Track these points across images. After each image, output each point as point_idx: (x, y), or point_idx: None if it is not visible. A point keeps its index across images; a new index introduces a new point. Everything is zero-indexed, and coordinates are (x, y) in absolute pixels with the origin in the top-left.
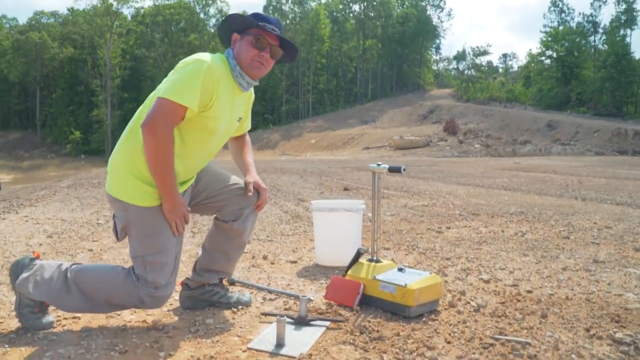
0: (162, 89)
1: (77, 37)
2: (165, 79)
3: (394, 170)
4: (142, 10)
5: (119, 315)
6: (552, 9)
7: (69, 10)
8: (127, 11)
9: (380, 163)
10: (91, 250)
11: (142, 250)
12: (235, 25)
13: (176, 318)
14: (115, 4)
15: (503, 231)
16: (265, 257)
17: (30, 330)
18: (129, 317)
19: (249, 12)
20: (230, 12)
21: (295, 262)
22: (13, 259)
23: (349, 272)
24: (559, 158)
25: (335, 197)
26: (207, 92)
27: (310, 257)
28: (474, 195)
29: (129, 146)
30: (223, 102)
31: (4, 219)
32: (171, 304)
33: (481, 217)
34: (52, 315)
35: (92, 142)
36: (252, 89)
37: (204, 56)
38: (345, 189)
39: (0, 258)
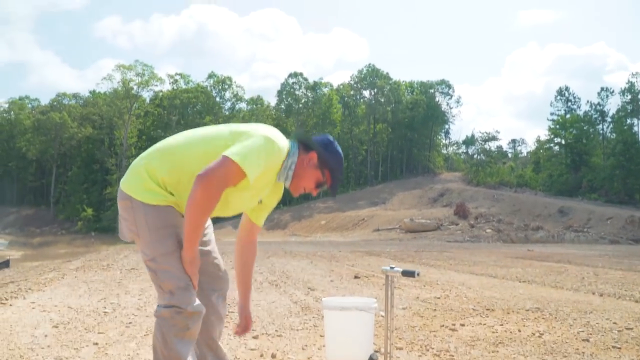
0: (233, 150)
1: (96, 118)
2: (233, 132)
3: (408, 274)
4: (160, 94)
5: None
6: (559, 97)
7: (90, 92)
8: (146, 94)
9: (393, 266)
10: (96, 344)
11: (150, 251)
12: (323, 149)
13: None
14: (135, 87)
15: (520, 330)
16: (274, 356)
17: None
18: None
19: (263, 95)
20: (245, 95)
21: None
22: (17, 351)
23: None
24: (573, 246)
25: (346, 286)
26: (262, 168)
27: (320, 356)
28: (488, 287)
29: (161, 162)
30: (263, 180)
31: (11, 305)
32: None
33: (496, 313)
34: None
35: (103, 219)
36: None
37: (281, 139)
38: (356, 277)
39: (5, 350)
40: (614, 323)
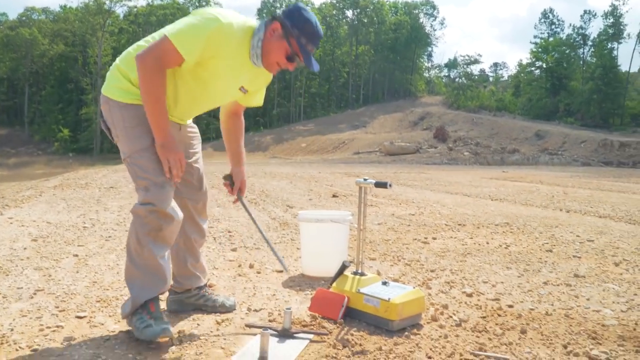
0: (170, 28)
1: (68, 35)
2: (180, 20)
3: (381, 185)
4: (135, 10)
5: (102, 324)
6: (543, 20)
7: (61, 7)
8: (120, 10)
9: (367, 178)
10: (76, 255)
11: (128, 148)
12: (288, 18)
13: None
14: (107, 2)
15: (488, 243)
16: (251, 266)
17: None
18: (112, 326)
19: (241, 11)
20: None
21: (281, 271)
22: None
23: (334, 285)
24: (547, 168)
25: (323, 204)
26: (210, 49)
27: (297, 267)
28: (461, 204)
29: (132, 61)
30: (225, 64)
31: None
32: None
33: (467, 228)
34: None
35: (80, 140)
36: (269, 75)
37: (224, 15)
38: (334, 196)
39: None
40: (577, 236)
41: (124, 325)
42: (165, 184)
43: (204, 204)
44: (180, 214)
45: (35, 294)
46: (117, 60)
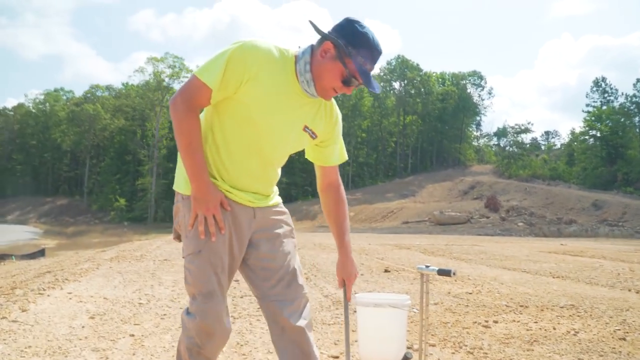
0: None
1: (128, 110)
2: None
3: (444, 273)
4: None
5: None
6: (595, 88)
7: (123, 84)
8: (177, 86)
9: (429, 265)
10: (132, 335)
11: (185, 248)
12: (341, 35)
13: None
14: (167, 79)
15: (554, 328)
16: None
17: None
18: None
19: None
20: None
21: (337, 357)
22: (56, 342)
23: None
24: (607, 240)
25: (376, 280)
26: (237, 73)
27: (353, 352)
28: (521, 282)
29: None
30: (265, 89)
31: (49, 295)
32: None
33: (530, 310)
34: None
35: (135, 209)
36: (337, 112)
37: (250, 39)
38: (386, 271)
39: (44, 341)
40: None
41: None
42: (212, 294)
43: (303, 306)
44: (227, 327)
45: None
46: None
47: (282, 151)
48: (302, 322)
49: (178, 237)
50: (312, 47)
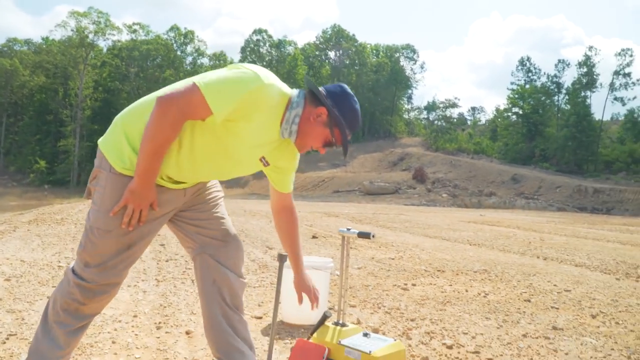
0: (203, 78)
1: (49, 67)
2: (215, 70)
3: (364, 236)
4: (118, 44)
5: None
6: (520, 67)
7: (43, 39)
8: (103, 43)
9: (350, 228)
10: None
11: (93, 219)
12: (335, 105)
13: None
14: (90, 35)
15: (467, 290)
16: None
17: None
18: None
19: (227, 51)
20: (207, 51)
21: (260, 317)
22: None
23: (314, 335)
24: (523, 212)
25: (303, 246)
26: (243, 109)
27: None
28: (440, 249)
29: (140, 111)
30: (253, 128)
31: None
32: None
33: (446, 274)
34: None
35: (57, 172)
36: (296, 152)
37: (266, 76)
38: (314, 237)
39: None
40: (555, 285)
41: None
42: (109, 267)
43: (237, 258)
44: (114, 292)
45: (7, 338)
46: (122, 117)
47: (235, 171)
48: (234, 277)
49: (90, 195)
50: (305, 99)
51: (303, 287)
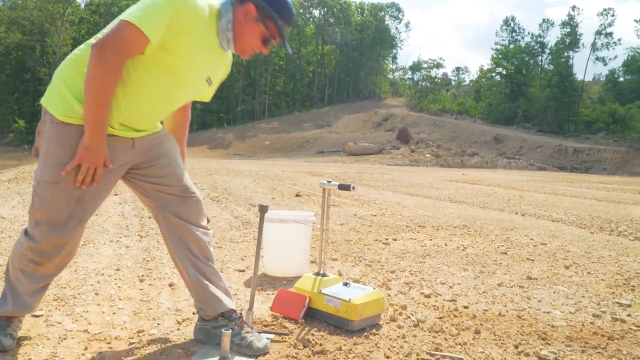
0: (127, 11)
1: (26, 23)
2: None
3: (344, 188)
4: (96, 0)
5: (59, 323)
6: (504, 27)
7: None
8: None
9: (330, 180)
10: None
11: (40, 173)
12: (259, 0)
13: (119, 328)
14: None
15: (446, 244)
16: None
17: None
18: (70, 325)
19: None
20: None
21: (243, 270)
22: None
23: (296, 285)
24: (504, 171)
25: (287, 203)
26: (176, 27)
27: (259, 267)
28: (422, 206)
29: (78, 59)
30: (193, 44)
31: None
32: (114, 313)
33: (427, 230)
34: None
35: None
36: (231, 59)
37: None
38: (297, 195)
39: None
40: (531, 239)
41: (81, 324)
42: (60, 224)
43: (199, 212)
44: (71, 251)
45: None
46: (60, 69)
47: (185, 98)
48: (198, 230)
49: (37, 153)
50: (232, 4)
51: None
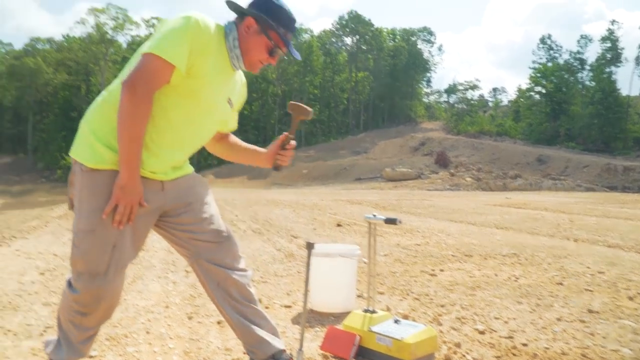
0: (147, 45)
1: (71, 64)
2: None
3: (390, 222)
4: (137, 39)
5: None
6: (541, 46)
7: (64, 37)
8: (122, 39)
9: (375, 214)
10: None
11: (76, 224)
12: (260, 10)
13: None
14: (110, 31)
15: (496, 275)
16: (259, 302)
17: None
18: None
19: None
20: None
21: (289, 306)
22: (5, 298)
23: (345, 322)
24: (550, 193)
25: (328, 234)
26: (195, 50)
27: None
28: (467, 233)
29: (104, 105)
30: (210, 66)
31: None
32: (165, 352)
33: (474, 259)
34: None
35: None
36: (244, 81)
37: (193, 12)
38: (338, 225)
39: None
40: (587, 267)
41: None
42: (100, 273)
43: (234, 254)
44: (115, 301)
45: (45, 331)
46: (85, 118)
47: (212, 123)
48: (235, 274)
49: (72, 206)
50: (235, 22)
51: (271, 149)
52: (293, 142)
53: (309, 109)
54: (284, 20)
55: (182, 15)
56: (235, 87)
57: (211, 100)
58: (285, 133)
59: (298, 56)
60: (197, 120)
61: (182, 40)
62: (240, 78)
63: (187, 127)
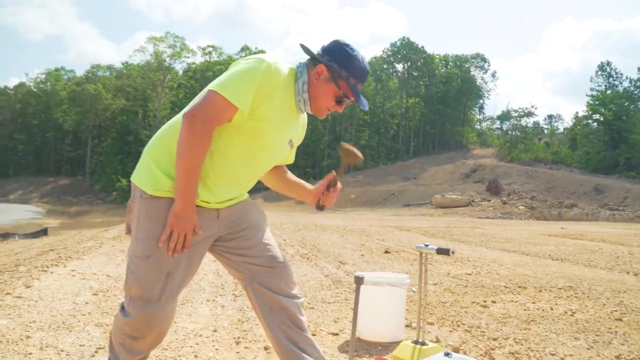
0: (214, 82)
1: (130, 90)
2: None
3: (443, 252)
4: (193, 66)
5: None
6: (600, 73)
7: (123, 64)
8: (179, 66)
9: (428, 244)
10: None
11: (132, 249)
12: (332, 58)
13: None
14: (167, 59)
15: (552, 309)
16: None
17: None
18: None
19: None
20: None
21: (337, 334)
22: (60, 317)
23: (394, 353)
24: (608, 224)
25: (376, 261)
26: (262, 94)
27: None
28: (520, 264)
29: (164, 135)
30: (276, 109)
31: (52, 272)
32: None
33: (528, 291)
34: None
35: None
36: (306, 119)
37: (268, 56)
38: (386, 252)
39: (48, 316)
40: None
41: None
42: (153, 299)
43: (288, 281)
44: (165, 327)
45: (96, 352)
46: (148, 146)
47: (271, 163)
48: (288, 301)
49: (130, 230)
50: (306, 66)
51: (317, 188)
52: (339, 185)
53: (360, 155)
54: (356, 70)
55: (256, 57)
56: (299, 127)
57: (272, 141)
58: (333, 173)
59: (365, 106)
60: (255, 159)
61: (250, 83)
62: (303, 118)
63: (245, 165)
